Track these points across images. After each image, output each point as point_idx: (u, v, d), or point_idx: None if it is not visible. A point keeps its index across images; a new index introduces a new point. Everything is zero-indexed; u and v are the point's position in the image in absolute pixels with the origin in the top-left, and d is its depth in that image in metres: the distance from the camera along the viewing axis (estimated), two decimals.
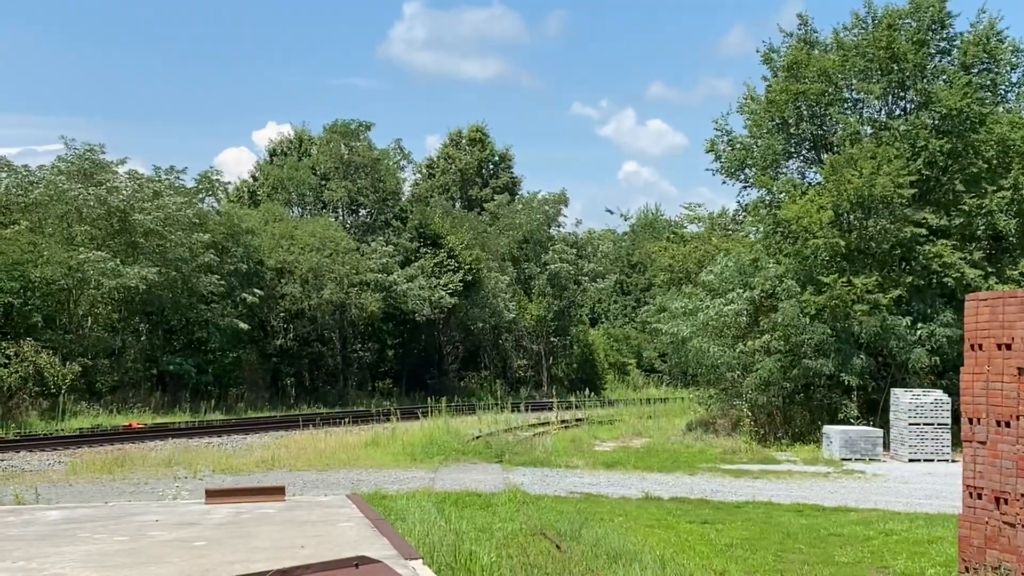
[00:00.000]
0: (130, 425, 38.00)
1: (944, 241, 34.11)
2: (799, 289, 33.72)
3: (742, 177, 38.95)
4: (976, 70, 36.09)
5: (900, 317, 33.31)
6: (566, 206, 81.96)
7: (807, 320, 33.13)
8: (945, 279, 33.88)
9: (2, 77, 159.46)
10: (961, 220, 34.55)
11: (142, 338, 50.39)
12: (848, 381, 33.13)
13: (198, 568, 7.44)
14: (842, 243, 33.83)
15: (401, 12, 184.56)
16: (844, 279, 33.21)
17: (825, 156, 36.61)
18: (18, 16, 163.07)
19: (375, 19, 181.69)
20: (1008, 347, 11.80)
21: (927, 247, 34.13)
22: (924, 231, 33.85)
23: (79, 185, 46.70)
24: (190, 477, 23.63)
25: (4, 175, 49.10)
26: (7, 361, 40.50)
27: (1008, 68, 36.69)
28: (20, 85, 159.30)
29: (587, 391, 61.38)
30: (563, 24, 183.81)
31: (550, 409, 47.42)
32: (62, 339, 44.26)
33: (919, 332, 33.42)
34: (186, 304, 49.19)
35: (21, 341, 41.66)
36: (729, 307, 34.17)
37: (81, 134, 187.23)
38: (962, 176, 34.98)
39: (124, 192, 47.98)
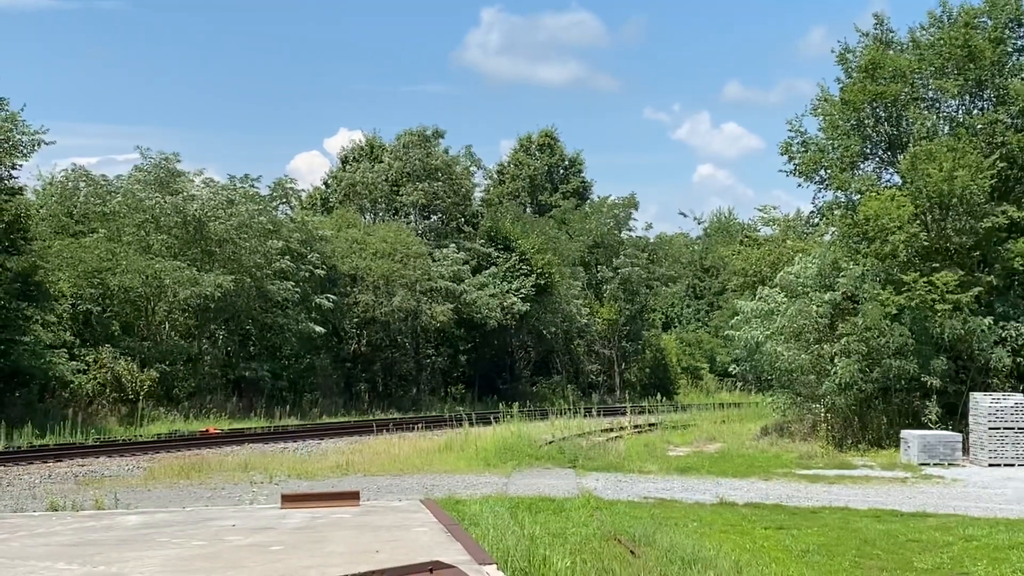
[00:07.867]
0: (207, 431, 38.42)
1: None
2: (880, 290, 33.25)
3: (816, 178, 38.41)
4: None
5: (982, 318, 32.70)
6: (636, 210, 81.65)
7: (888, 322, 32.63)
8: None
9: (82, 88, 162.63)
10: None
11: (218, 344, 51.02)
12: (929, 383, 32.61)
13: (275, 572, 7.50)
14: (923, 235, 33.31)
15: (479, 19, 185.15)
16: (925, 279, 32.70)
17: (901, 157, 36.08)
18: (94, 28, 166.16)
19: (452, 26, 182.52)
20: None
21: (1007, 244, 33.54)
22: (1005, 222, 33.28)
23: (156, 194, 47.34)
24: (266, 482, 23.86)
25: (83, 185, 50.05)
26: (86, 368, 41.20)
27: None
28: (99, 95, 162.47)
29: (660, 396, 60.91)
30: (642, 27, 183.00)
31: (623, 414, 47.16)
32: (140, 346, 44.92)
33: (1002, 332, 32.80)
34: (261, 310, 49.64)
35: (100, 348, 42.35)
36: (809, 308, 33.67)
37: (158, 143, 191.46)
38: None
39: (200, 200, 48.56)
